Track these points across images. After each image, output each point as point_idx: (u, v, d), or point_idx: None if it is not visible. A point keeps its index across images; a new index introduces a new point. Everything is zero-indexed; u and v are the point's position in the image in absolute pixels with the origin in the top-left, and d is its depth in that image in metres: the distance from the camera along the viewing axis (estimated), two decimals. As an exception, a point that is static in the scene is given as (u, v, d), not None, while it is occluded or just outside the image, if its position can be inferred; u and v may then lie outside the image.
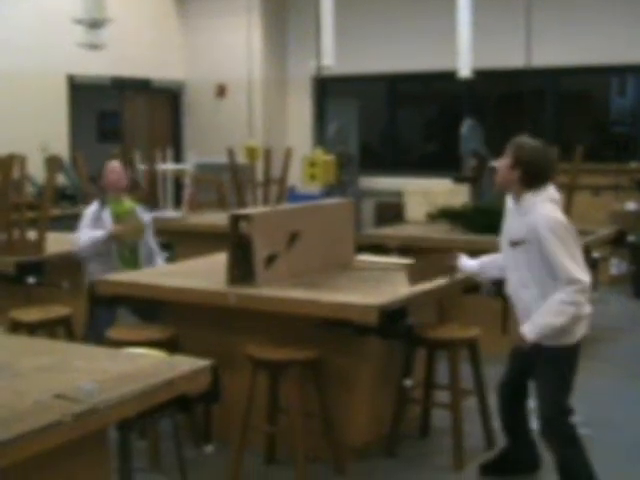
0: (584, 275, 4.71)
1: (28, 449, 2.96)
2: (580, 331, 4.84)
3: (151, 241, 7.25)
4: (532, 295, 4.83)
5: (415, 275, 5.41)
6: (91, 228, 7.00)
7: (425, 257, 5.85)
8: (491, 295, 5.89)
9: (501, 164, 4.89)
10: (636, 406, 6.63)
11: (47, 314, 6.19)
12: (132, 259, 7.06)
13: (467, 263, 5.38)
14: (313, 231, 6.02)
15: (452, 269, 5.41)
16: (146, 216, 7.32)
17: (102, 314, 6.59)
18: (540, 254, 4.72)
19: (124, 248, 7.03)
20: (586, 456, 4.92)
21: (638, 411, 6.52)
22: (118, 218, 7.05)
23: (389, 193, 13.90)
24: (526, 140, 4.89)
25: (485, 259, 5.31)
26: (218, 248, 6.39)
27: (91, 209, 7.11)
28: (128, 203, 7.28)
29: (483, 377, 5.77)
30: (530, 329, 4.75)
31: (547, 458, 5.15)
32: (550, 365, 4.85)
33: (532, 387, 5.10)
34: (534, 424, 5.25)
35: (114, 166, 7.20)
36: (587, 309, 4.87)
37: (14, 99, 11.84)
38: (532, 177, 4.78)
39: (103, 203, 7.05)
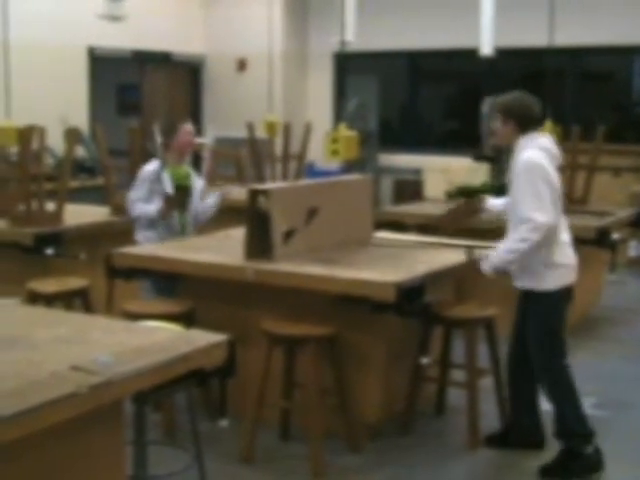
0: (543, 216, 4.87)
1: (43, 420, 2.96)
2: (558, 279, 5.07)
3: (197, 204, 7.08)
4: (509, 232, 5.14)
5: (448, 221, 5.79)
6: (147, 188, 6.81)
7: (455, 204, 5.97)
8: (509, 274, 5.87)
9: (496, 126, 5.20)
10: (652, 388, 6.61)
11: (64, 285, 6.20)
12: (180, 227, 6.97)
13: (493, 203, 5.58)
14: (331, 207, 6.00)
15: (479, 210, 5.64)
16: (199, 182, 7.20)
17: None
18: (513, 198, 5.04)
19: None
20: (579, 405, 5.13)
21: (654, 393, 6.50)
22: (176, 181, 6.88)
23: (408, 170, 13.86)
24: (507, 95, 5.21)
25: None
26: (236, 223, 6.38)
27: (150, 167, 6.88)
28: (185, 168, 7.11)
29: (499, 356, 5.75)
30: (487, 263, 5.11)
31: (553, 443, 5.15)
32: (531, 310, 5.14)
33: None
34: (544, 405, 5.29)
35: (189, 128, 7.09)
36: (566, 259, 5.09)
37: (34, 71, 11.83)
38: (524, 120, 5.07)
39: (164, 164, 6.88)
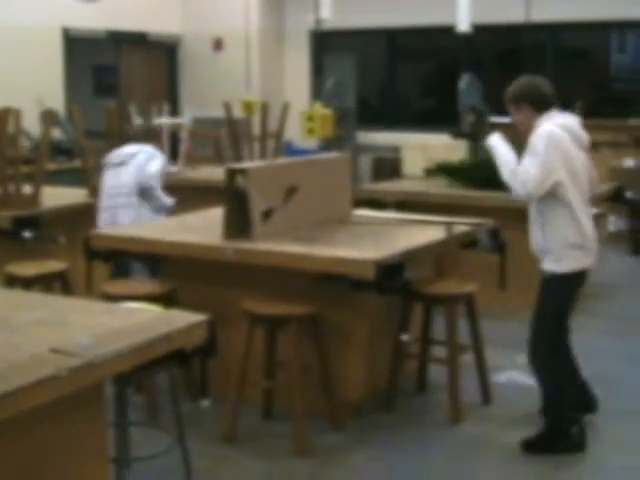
0: (533, 188, 4.83)
1: (24, 403, 2.95)
2: (574, 262, 4.99)
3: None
4: (532, 214, 5.10)
5: None
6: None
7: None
8: (489, 250, 5.88)
9: (514, 119, 5.09)
10: (633, 363, 6.63)
11: (43, 269, 6.16)
12: None
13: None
14: (310, 185, 5.99)
15: None
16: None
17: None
18: None
19: None
20: (566, 392, 5.14)
21: (636, 368, 6.52)
22: None
23: (386, 148, 13.85)
24: (511, 86, 5.08)
25: None
26: (215, 202, 6.36)
27: (160, 166, 7.25)
28: None
29: (480, 333, 5.77)
30: (495, 139, 5.10)
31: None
32: (545, 289, 5.09)
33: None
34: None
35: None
36: (583, 241, 4.99)
37: (9, 52, 11.75)
38: (537, 100, 4.98)
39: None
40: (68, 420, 3.37)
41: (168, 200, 7.16)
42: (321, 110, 8.61)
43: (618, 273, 9.65)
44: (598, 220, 8.13)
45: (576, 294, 5.18)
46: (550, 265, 5.02)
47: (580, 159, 4.99)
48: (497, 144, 5.08)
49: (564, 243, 4.95)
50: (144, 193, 7.03)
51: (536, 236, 5.08)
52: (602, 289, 8.68)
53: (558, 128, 4.89)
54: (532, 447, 5.09)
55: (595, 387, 5.72)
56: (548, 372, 5.13)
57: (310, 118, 8.40)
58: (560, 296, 5.08)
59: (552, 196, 4.89)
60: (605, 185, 8.82)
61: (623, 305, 8.33)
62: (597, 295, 8.42)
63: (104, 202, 7.06)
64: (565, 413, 5.14)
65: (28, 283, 5.97)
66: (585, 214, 5.01)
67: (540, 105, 4.97)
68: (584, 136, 5.06)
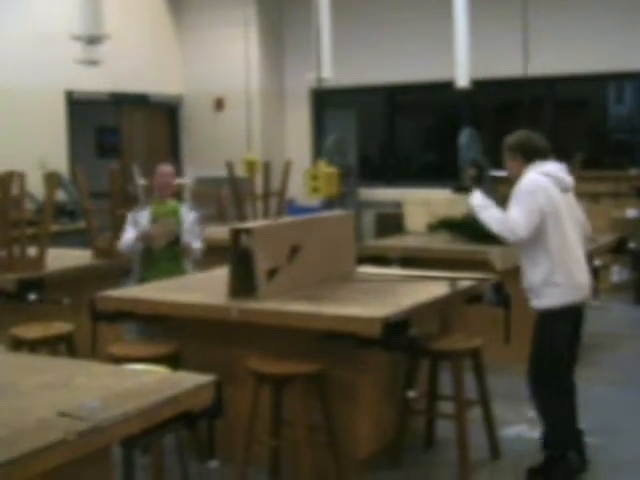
0: (520, 230, 5.16)
1: (32, 468, 2.94)
2: (557, 297, 5.23)
3: (188, 237, 7.26)
4: (519, 254, 5.45)
5: None
6: (132, 230, 7.25)
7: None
8: (493, 305, 5.90)
9: (507, 165, 5.49)
10: (639, 414, 6.60)
11: (48, 331, 6.16)
12: (170, 264, 7.23)
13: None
14: (314, 244, 6.01)
15: None
16: (191, 215, 7.39)
17: None
18: None
19: (159, 256, 7.23)
20: (569, 425, 5.36)
21: (642, 418, 6.51)
22: (157, 219, 7.29)
23: (389, 204, 13.88)
24: (510, 136, 5.53)
25: None
26: (218, 262, 6.38)
27: (132, 212, 7.38)
28: (172, 204, 7.48)
29: (487, 387, 5.75)
30: (477, 198, 5.48)
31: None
32: (535, 326, 5.34)
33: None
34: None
35: (164, 170, 7.45)
36: (567, 279, 5.24)
37: (13, 115, 11.84)
38: (529, 153, 5.39)
39: (144, 204, 7.39)
40: (76, 484, 3.36)
41: (128, 235, 7.32)
42: (325, 168, 8.64)
43: (622, 323, 9.65)
44: (601, 271, 8.19)
45: (568, 330, 5.35)
46: (535, 302, 5.31)
47: (563, 200, 5.32)
48: (479, 202, 5.45)
49: (542, 280, 5.23)
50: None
51: (524, 275, 5.38)
52: (606, 339, 8.68)
53: (540, 175, 5.26)
54: (533, 474, 5.30)
55: (600, 437, 5.70)
56: (545, 400, 5.31)
57: (315, 177, 8.42)
58: (549, 332, 5.28)
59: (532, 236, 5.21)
60: (607, 236, 8.84)
61: (627, 355, 8.32)
62: (601, 345, 8.41)
63: None
64: (563, 439, 5.31)
65: (34, 345, 5.97)
66: (569, 251, 5.27)
67: (531, 157, 5.38)
68: (567, 179, 5.40)
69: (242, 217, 9.94)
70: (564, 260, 5.23)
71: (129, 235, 7.24)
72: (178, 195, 10.47)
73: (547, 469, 5.30)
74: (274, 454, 5.51)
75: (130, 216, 7.36)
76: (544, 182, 5.25)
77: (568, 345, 5.39)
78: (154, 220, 7.27)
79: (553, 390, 5.31)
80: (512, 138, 5.50)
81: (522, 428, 6.22)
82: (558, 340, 5.29)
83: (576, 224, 5.42)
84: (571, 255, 5.28)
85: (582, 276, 5.34)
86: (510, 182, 5.49)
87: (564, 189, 5.34)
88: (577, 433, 5.46)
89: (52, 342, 6.14)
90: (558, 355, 5.30)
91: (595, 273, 7.85)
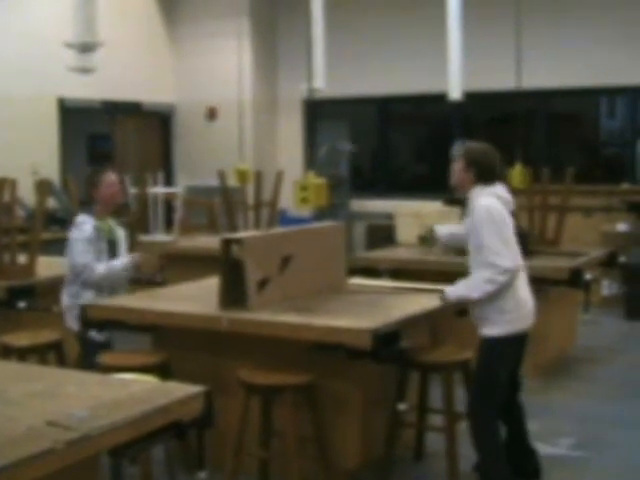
0: (508, 261, 5.02)
1: (21, 477, 2.92)
2: (507, 325, 5.15)
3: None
4: None
5: None
6: (91, 253, 6.48)
7: None
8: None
9: (456, 168, 5.34)
10: (628, 428, 6.60)
11: (37, 339, 6.14)
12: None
13: (441, 231, 6.07)
14: (305, 255, 6.01)
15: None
16: (122, 233, 6.88)
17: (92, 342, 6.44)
18: (476, 242, 5.14)
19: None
20: (503, 459, 5.23)
21: (630, 433, 6.50)
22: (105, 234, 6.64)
23: (380, 215, 13.88)
24: (474, 144, 5.41)
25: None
26: (209, 272, 6.37)
27: (85, 233, 6.48)
28: (108, 223, 6.74)
29: (477, 400, 5.74)
30: (452, 290, 5.30)
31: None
32: (480, 354, 5.21)
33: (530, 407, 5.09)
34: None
35: (112, 180, 6.66)
36: (516, 305, 5.16)
37: (4, 122, 11.83)
38: (484, 173, 5.23)
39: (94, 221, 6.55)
40: (64, 493, 3.35)
41: (118, 263, 6.58)
42: (315, 179, 8.64)
43: (612, 337, 9.66)
44: (591, 285, 8.20)
45: (510, 357, 5.30)
46: (486, 330, 5.19)
47: (511, 224, 5.22)
48: (458, 292, 5.29)
49: (496, 309, 5.12)
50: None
51: (474, 303, 5.24)
52: (597, 354, 8.68)
53: (494, 198, 5.16)
54: None
55: (589, 450, 5.69)
56: (485, 432, 5.23)
57: (304, 187, 8.41)
58: (492, 358, 5.20)
59: (484, 264, 5.08)
60: (598, 250, 8.86)
61: (617, 369, 8.32)
62: (592, 360, 8.42)
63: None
64: (496, 472, 5.23)
65: (23, 354, 5.95)
66: (519, 278, 5.20)
67: (484, 178, 5.24)
68: (510, 199, 5.31)
69: (233, 227, 9.93)
70: (516, 287, 5.16)
71: (116, 264, 6.54)
72: (169, 204, 10.46)
73: None
74: (263, 465, 5.49)
75: (86, 239, 6.49)
76: (498, 208, 5.11)
77: (511, 369, 5.39)
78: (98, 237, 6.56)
79: (488, 423, 5.24)
80: (475, 148, 5.34)
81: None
82: (503, 369, 5.25)
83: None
84: (520, 282, 5.22)
85: (530, 303, 5.29)
86: None
87: (510, 211, 5.25)
88: (508, 469, 5.37)
89: (41, 350, 6.11)
90: (498, 388, 5.23)
91: (586, 287, 7.88)
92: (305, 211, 11.67)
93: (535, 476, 5.57)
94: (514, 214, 5.37)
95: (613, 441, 6.30)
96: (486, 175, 5.23)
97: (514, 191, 5.77)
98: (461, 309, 5.88)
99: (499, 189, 5.24)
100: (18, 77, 11.91)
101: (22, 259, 7.13)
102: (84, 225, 6.55)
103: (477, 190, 5.21)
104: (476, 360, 5.24)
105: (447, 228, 6.01)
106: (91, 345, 6.27)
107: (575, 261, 7.82)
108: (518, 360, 5.47)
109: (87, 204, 6.80)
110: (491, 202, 5.12)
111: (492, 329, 5.15)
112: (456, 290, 5.27)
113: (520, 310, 5.19)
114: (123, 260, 6.62)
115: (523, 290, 5.23)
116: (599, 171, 13.56)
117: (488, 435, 5.22)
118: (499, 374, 5.21)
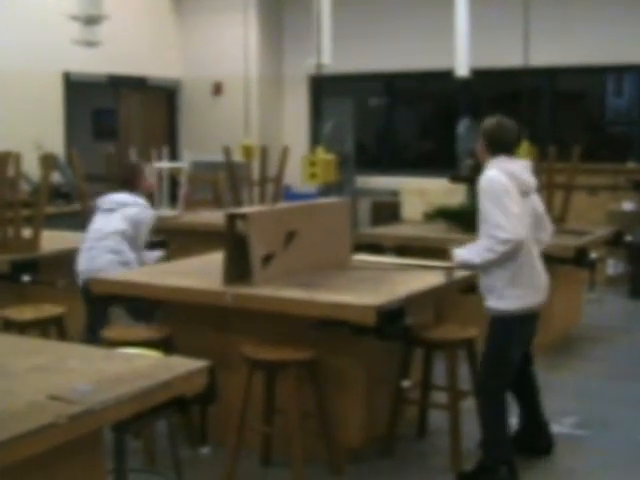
0: (505, 232, 4.89)
1: (22, 451, 2.92)
2: (517, 300, 5.07)
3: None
4: None
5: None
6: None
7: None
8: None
9: (477, 148, 5.31)
10: (632, 407, 6.59)
11: (39, 313, 6.13)
12: None
13: (458, 252, 5.58)
14: (310, 230, 5.99)
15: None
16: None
17: (98, 316, 6.51)
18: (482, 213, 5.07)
19: None
20: (504, 435, 5.21)
21: (634, 411, 6.48)
22: None
23: (385, 192, 13.87)
24: (489, 118, 5.29)
25: None
26: (214, 247, 6.36)
27: (149, 216, 6.96)
28: None
29: (481, 378, 5.73)
30: (459, 252, 5.20)
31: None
32: (490, 332, 5.14)
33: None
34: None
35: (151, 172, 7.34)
36: (528, 281, 5.09)
37: (9, 96, 11.80)
38: (492, 143, 5.17)
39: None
40: (66, 467, 3.34)
41: (153, 255, 7.04)
42: (324, 155, 8.61)
43: (617, 316, 9.65)
44: (597, 264, 8.18)
45: (522, 335, 5.24)
46: (493, 303, 5.11)
47: (521, 202, 5.06)
48: (463, 255, 5.20)
49: (506, 282, 5.04)
50: (131, 244, 6.87)
51: (482, 275, 5.19)
52: (601, 332, 8.67)
53: (500, 173, 5.03)
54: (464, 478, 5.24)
55: (592, 429, 5.68)
56: (492, 410, 5.20)
57: (313, 163, 8.38)
58: (504, 335, 5.13)
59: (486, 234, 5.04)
60: (603, 229, 8.83)
61: (621, 348, 8.30)
62: (595, 338, 8.40)
63: (87, 243, 6.81)
64: (498, 451, 5.18)
65: (24, 328, 5.93)
66: (529, 253, 5.10)
67: (494, 149, 5.17)
68: (530, 181, 5.18)
69: (238, 202, 9.92)
70: (527, 262, 5.08)
71: (159, 255, 7.11)
72: (174, 179, 10.44)
73: (475, 476, 5.21)
74: (266, 441, 5.49)
75: (151, 223, 7.02)
76: (504, 183, 4.98)
77: (523, 348, 5.33)
78: None
79: (495, 401, 5.19)
80: (486, 124, 5.28)
81: (514, 419, 6.21)
82: (514, 345, 5.18)
83: (536, 229, 5.27)
84: (531, 257, 5.14)
85: (542, 279, 5.23)
86: None
87: (524, 193, 5.11)
88: (511, 451, 5.33)
89: (43, 324, 6.10)
90: (508, 363, 5.17)
91: (591, 266, 7.86)
92: (311, 187, 11.64)
93: (547, 452, 5.58)
94: (538, 190, 5.33)
95: (617, 420, 6.29)
96: (495, 146, 5.16)
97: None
98: (467, 286, 5.87)
99: (515, 166, 5.11)
100: (23, 51, 11.87)
101: (27, 233, 7.12)
102: (146, 211, 6.94)
103: (489, 164, 5.15)
104: (486, 338, 5.18)
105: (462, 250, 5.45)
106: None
107: (581, 240, 7.79)
108: (529, 338, 5.42)
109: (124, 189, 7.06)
110: (494, 174, 5.03)
111: (499, 302, 5.07)
112: (462, 253, 5.19)
113: (531, 286, 5.12)
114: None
115: (532, 267, 5.14)
116: (605, 150, 13.51)
117: (495, 413, 5.19)
118: (510, 353, 5.15)
